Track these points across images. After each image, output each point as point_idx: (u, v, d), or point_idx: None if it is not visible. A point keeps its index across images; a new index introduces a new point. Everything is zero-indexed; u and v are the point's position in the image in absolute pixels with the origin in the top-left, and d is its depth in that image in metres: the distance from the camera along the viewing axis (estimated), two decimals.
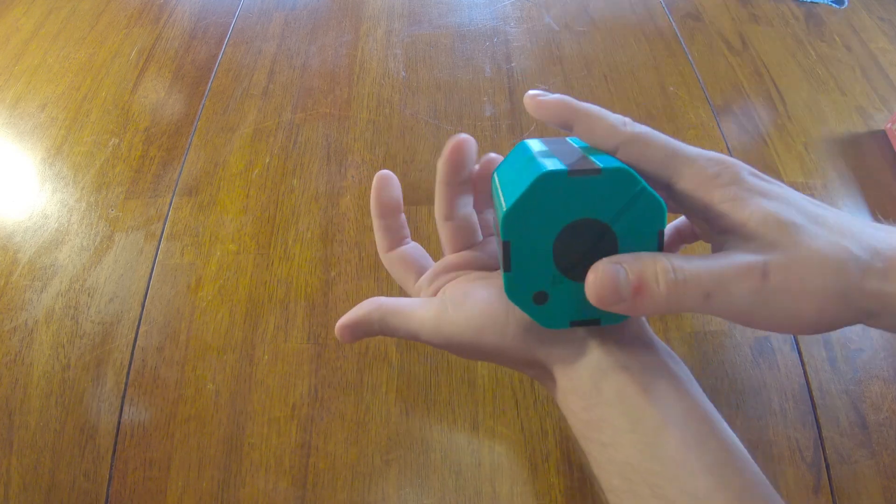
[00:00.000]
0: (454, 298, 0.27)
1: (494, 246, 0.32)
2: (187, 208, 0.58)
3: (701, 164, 0.21)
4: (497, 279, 0.28)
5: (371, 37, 0.75)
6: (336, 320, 0.30)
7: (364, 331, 0.29)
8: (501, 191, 0.24)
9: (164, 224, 0.57)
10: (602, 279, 0.20)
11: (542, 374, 0.27)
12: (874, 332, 0.52)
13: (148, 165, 0.62)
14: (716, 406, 0.25)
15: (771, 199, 0.21)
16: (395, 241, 0.33)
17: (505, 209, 0.21)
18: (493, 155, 0.32)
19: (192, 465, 0.45)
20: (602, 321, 0.24)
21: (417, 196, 0.58)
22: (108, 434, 0.46)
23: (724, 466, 0.21)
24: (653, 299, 0.20)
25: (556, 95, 0.24)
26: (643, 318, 0.27)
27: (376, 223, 0.33)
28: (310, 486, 0.44)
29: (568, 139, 0.26)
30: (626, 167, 0.21)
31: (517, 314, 0.25)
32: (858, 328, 0.52)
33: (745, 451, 0.23)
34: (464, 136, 0.29)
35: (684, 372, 0.25)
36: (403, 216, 0.34)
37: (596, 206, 0.21)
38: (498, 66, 0.71)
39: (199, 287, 0.53)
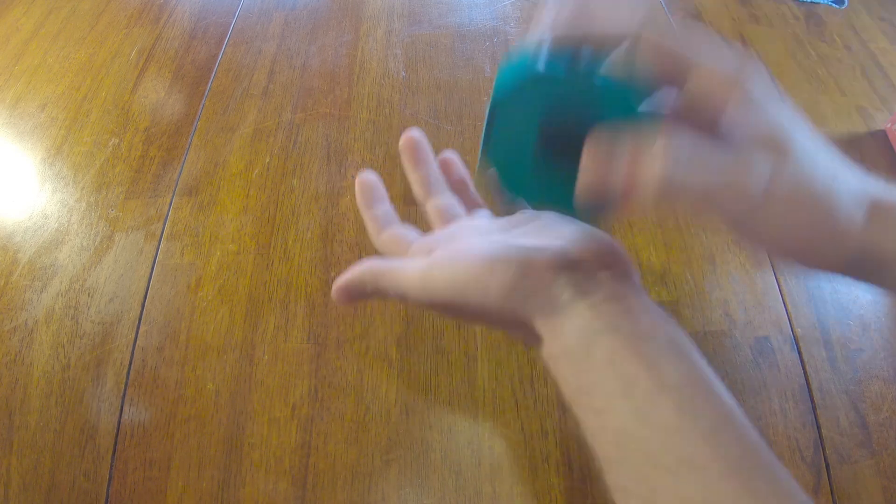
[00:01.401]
0: (440, 258, 0.27)
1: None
2: (187, 208, 0.58)
3: (709, 70, 0.21)
4: (482, 238, 0.29)
5: (371, 37, 0.75)
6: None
7: (358, 292, 0.29)
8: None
9: (164, 224, 0.57)
10: (594, 160, 0.20)
11: (530, 336, 0.26)
12: (874, 332, 0.52)
13: (148, 165, 0.62)
14: None
15: (774, 113, 0.21)
16: (386, 227, 0.34)
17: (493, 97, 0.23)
18: (449, 155, 0.34)
19: (192, 465, 0.45)
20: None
21: None
22: (108, 434, 0.46)
23: (722, 433, 0.20)
24: (651, 185, 0.19)
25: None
26: (635, 277, 0.25)
27: (365, 215, 0.33)
28: (310, 486, 0.44)
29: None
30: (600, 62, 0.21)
31: (500, 274, 0.24)
32: (858, 328, 0.52)
33: (743, 416, 0.22)
34: (414, 133, 0.32)
35: (679, 334, 0.24)
36: (390, 206, 0.34)
37: (569, 107, 0.22)
38: (498, 66, 0.71)
39: (199, 287, 0.53)
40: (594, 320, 0.23)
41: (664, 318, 0.24)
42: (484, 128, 0.24)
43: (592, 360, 0.22)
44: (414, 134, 0.32)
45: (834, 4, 0.82)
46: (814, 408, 0.47)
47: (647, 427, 0.20)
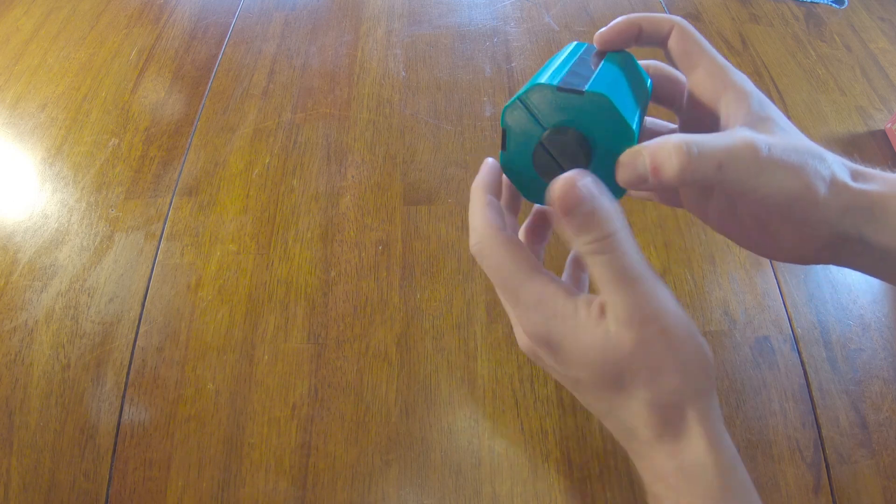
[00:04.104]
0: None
1: None
2: (187, 208, 0.58)
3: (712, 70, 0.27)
4: None
5: (371, 37, 0.75)
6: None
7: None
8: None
9: (164, 224, 0.57)
10: (627, 165, 0.23)
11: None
12: (874, 332, 0.52)
13: (148, 165, 0.62)
14: None
15: (762, 102, 0.26)
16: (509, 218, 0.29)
17: (507, 103, 0.25)
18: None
19: (192, 465, 0.45)
20: None
21: (417, 196, 0.58)
22: (108, 434, 0.46)
23: None
24: (671, 172, 0.21)
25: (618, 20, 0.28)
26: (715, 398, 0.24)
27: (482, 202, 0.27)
28: (310, 486, 0.44)
29: (600, 54, 0.29)
30: (606, 93, 0.23)
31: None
32: (858, 328, 0.52)
33: None
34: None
35: (745, 478, 0.23)
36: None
37: (578, 120, 0.24)
38: (498, 66, 0.71)
39: (199, 287, 0.53)
40: (679, 480, 0.22)
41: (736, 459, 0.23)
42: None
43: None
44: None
45: (834, 4, 0.82)
46: (814, 408, 0.47)
47: None
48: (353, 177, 0.60)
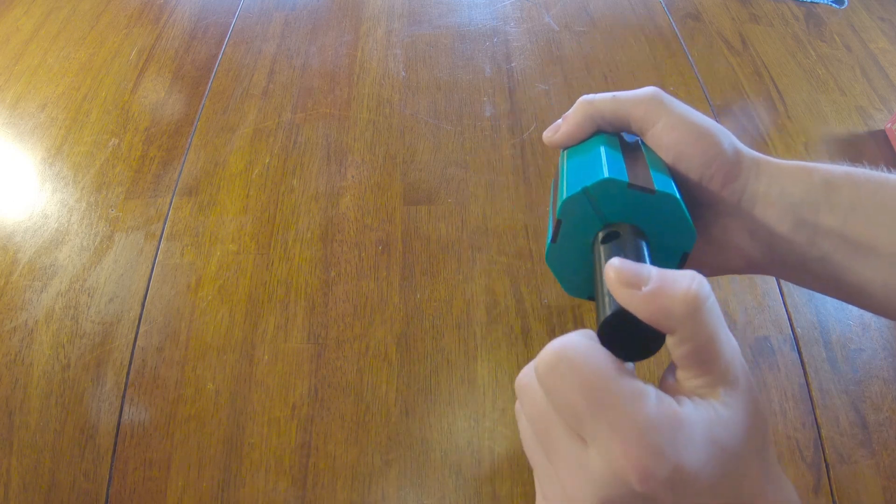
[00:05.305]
0: None
1: None
2: (187, 208, 0.58)
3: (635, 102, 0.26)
4: None
5: (371, 37, 0.75)
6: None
7: None
8: (567, 172, 0.27)
9: (164, 224, 0.57)
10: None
11: None
12: (874, 332, 0.52)
13: (148, 165, 0.62)
14: None
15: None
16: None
17: (566, 195, 0.24)
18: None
19: (192, 465, 0.45)
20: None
21: (417, 196, 0.58)
22: (108, 434, 0.46)
23: None
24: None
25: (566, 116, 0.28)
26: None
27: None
28: (310, 486, 0.44)
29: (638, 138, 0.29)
30: (677, 194, 0.23)
31: None
32: (858, 328, 0.52)
33: None
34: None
35: None
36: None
37: (640, 216, 0.23)
38: (498, 66, 0.71)
39: (199, 287, 0.53)
40: None
41: None
42: (549, 217, 0.26)
43: None
44: None
45: (834, 4, 0.82)
46: (814, 408, 0.47)
47: None
48: (353, 177, 0.60)
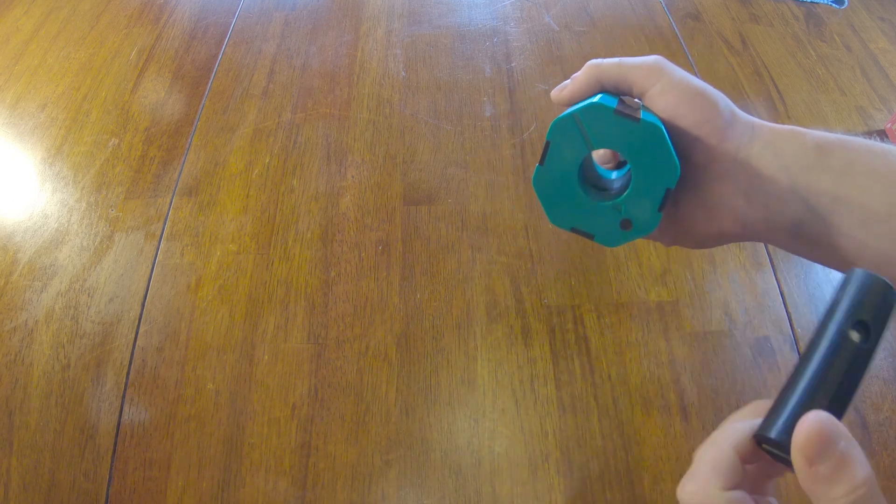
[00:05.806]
0: None
1: None
2: (187, 208, 0.58)
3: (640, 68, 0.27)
4: None
5: (371, 37, 0.75)
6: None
7: None
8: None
9: (164, 224, 0.57)
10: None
11: None
12: None
13: (148, 165, 0.62)
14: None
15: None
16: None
17: (557, 119, 0.25)
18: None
19: (192, 465, 0.45)
20: (595, 238, 0.27)
21: (417, 196, 0.58)
22: (108, 434, 0.46)
23: None
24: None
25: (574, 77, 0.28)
26: None
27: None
28: (310, 486, 0.44)
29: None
30: (661, 126, 0.24)
31: None
32: None
33: None
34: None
35: None
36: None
37: (625, 146, 0.24)
38: (498, 66, 0.71)
39: (199, 287, 0.53)
40: None
41: None
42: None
43: None
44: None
45: (834, 4, 0.82)
46: None
47: None
48: (353, 177, 0.60)
